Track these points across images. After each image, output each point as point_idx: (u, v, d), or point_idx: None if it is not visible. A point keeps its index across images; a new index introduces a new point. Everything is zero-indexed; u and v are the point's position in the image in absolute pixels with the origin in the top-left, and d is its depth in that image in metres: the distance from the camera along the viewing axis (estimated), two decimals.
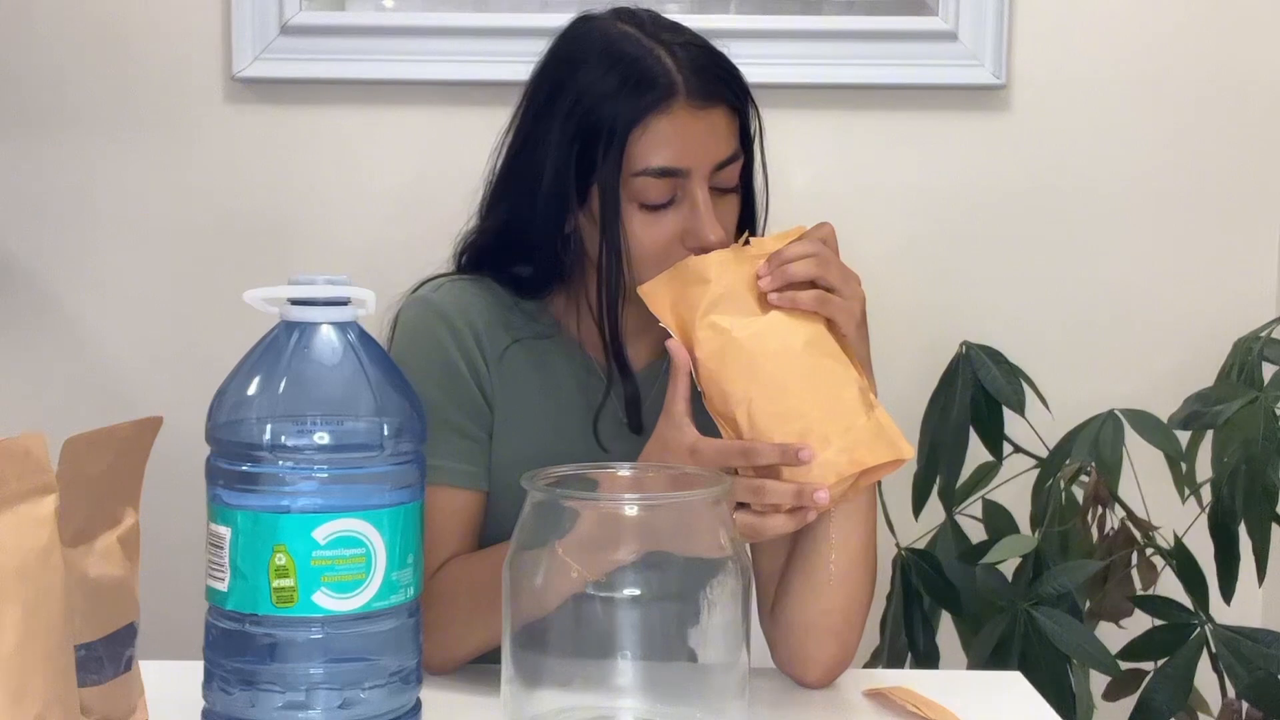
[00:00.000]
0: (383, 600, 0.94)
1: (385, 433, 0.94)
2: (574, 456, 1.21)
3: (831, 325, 1.15)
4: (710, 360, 1.11)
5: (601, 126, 1.23)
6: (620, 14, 1.31)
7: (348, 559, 0.92)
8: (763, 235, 1.37)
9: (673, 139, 1.22)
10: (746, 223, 1.33)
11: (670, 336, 1.16)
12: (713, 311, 1.12)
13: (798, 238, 1.17)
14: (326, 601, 0.92)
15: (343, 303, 0.96)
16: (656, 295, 1.15)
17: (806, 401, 1.08)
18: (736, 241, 1.24)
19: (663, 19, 1.31)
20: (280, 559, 0.91)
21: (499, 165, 1.36)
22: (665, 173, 1.22)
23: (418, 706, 1.00)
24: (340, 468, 0.93)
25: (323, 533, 0.91)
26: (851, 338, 1.17)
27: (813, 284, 1.15)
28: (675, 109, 1.22)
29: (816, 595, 1.23)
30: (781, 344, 1.10)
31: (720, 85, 1.25)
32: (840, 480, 1.08)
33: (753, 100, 1.30)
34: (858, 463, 1.08)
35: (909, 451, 1.10)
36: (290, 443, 0.92)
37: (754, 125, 1.31)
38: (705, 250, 1.21)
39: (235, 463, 0.93)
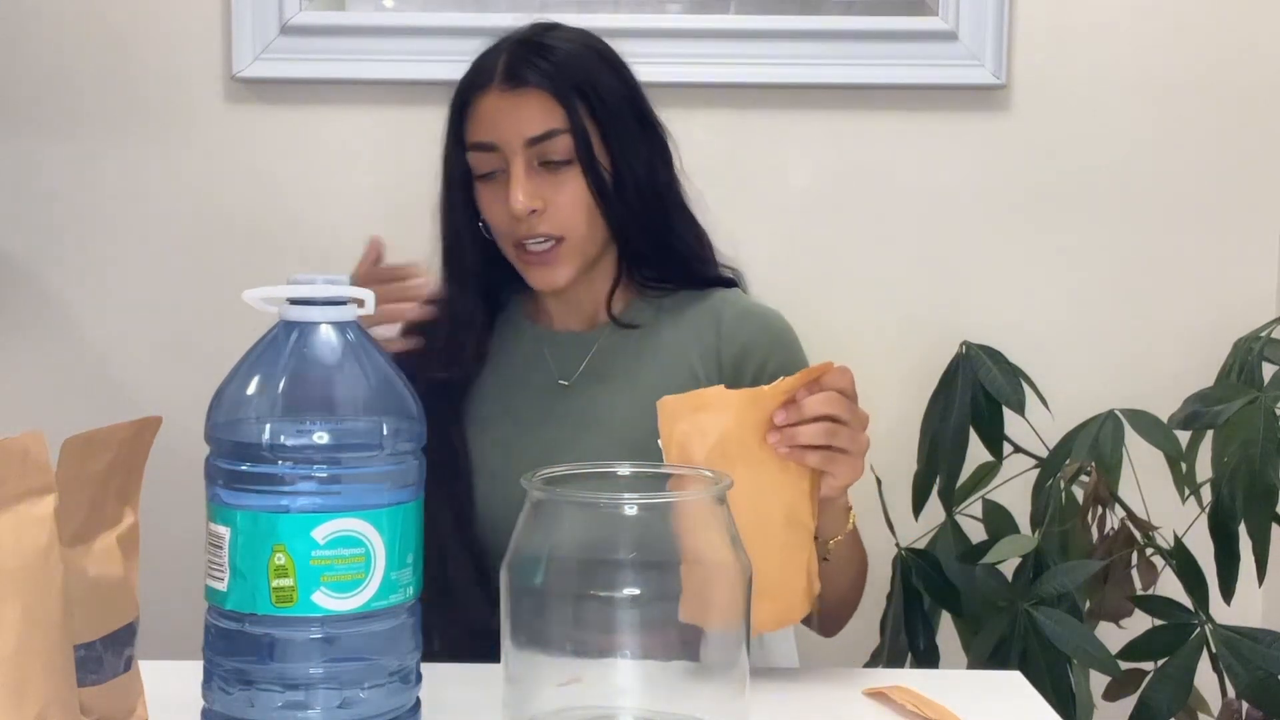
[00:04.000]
0: (382, 600, 0.94)
1: (384, 432, 0.94)
2: (536, 436, 1.44)
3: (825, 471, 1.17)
4: None
5: (453, 115, 1.46)
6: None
7: (347, 559, 0.92)
8: (683, 207, 1.49)
9: (484, 117, 1.43)
10: (623, 204, 1.44)
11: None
12: (720, 446, 1.12)
13: (818, 377, 1.16)
14: (326, 601, 0.92)
15: (342, 302, 0.96)
16: (668, 412, 1.14)
17: (765, 561, 1.12)
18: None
19: (550, 24, 1.49)
20: (279, 559, 0.91)
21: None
22: (481, 146, 1.43)
23: (417, 706, 1.00)
24: (339, 467, 0.93)
25: (322, 532, 0.91)
26: (843, 486, 1.19)
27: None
28: (489, 92, 1.43)
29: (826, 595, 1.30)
30: (766, 505, 1.14)
31: (534, 71, 1.42)
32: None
33: (585, 87, 1.42)
34: (783, 622, 1.21)
35: (809, 608, 1.21)
36: (289, 442, 0.92)
37: (588, 108, 1.42)
38: (518, 217, 1.39)
39: (234, 462, 0.93)
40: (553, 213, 1.41)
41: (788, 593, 1.18)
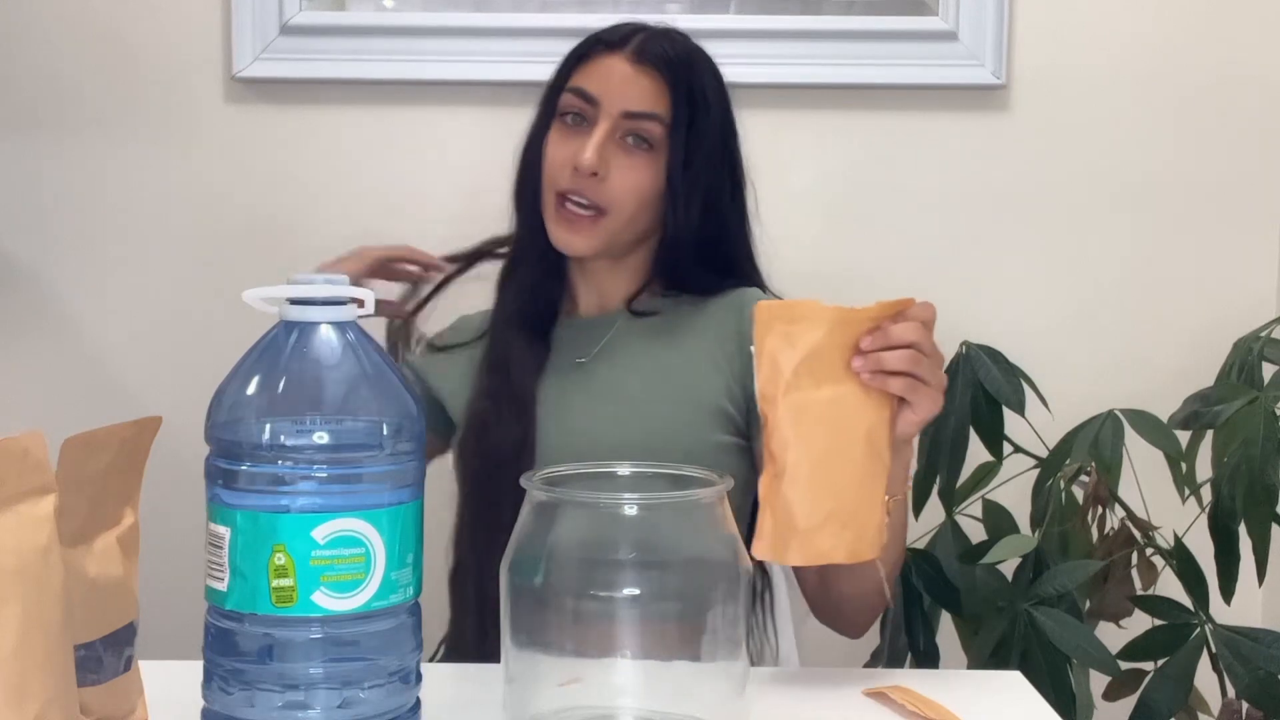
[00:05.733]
0: (382, 600, 0.94)
1: (384, 432, 0.94)
2: (549, 411, 1.46)
3: (904, 403, 1.18)
4: (788, 404, 1.12)
5: (568, 60, 1.51)
6: None
7: (347, 559, 0.92)
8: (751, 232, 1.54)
9: (599, 71, 1.48)
10: (686, 202, 1.47)
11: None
12: (809, 361, 1.12)
13: (903, 310, 1.17)
14: (326, 601, 0.92)
15: (342, 302, 0.96)
16: (764, 320, 1.13)
17: (846, 486, 1.15)
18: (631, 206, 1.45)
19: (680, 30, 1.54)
20: (279, 559, 0.91)
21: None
22: (582, 93, 1.47)
23: (417, 706, 1.00)
24: (339, 467, 0.93)
25: (322, 532, 0.91)
26: (922, 420, 1.20)
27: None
28: (615, 55, 1.48)
29: (866, 572, 1.27)
30: (849, 425, 1.15)
31: (662, 57, 1.47)
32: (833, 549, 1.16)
33: (696, 92, 1.48)
34: (855, 555, 1.16)
35: (879, 551, 1.18)
36: (289, 442, 0.92)
37: (692, 117, 1.47)
38: (580, 172, 1.43)
39: (234, 462, 0.93)
40: (609, 185, 1.45)
41: (862, 524, 1.16)
